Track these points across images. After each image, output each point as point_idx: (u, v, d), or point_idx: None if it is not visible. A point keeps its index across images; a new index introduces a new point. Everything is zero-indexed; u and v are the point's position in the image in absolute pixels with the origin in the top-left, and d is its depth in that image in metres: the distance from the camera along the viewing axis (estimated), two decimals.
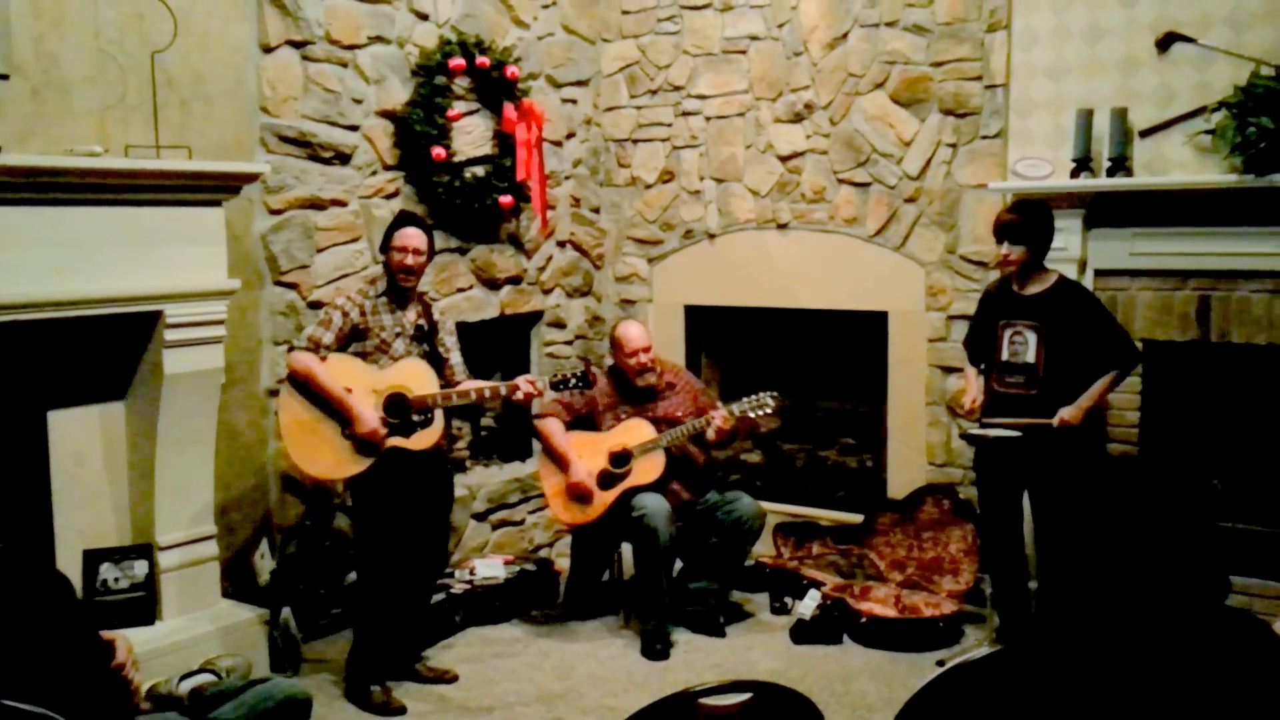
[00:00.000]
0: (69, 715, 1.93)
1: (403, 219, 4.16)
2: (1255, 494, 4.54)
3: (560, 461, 4.68)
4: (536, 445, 5.75)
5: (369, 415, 3.90)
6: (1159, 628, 1.71)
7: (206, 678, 3.15)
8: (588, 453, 4.69)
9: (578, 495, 4.63)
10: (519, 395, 4.14)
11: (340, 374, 3.96)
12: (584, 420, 4.79)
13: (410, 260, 4.05)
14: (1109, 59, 4.54)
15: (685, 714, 2.07)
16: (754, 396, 4.64)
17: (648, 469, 4.64)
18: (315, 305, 4.52)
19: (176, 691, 2.97)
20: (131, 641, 2.40)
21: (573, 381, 4.33)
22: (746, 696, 2.08)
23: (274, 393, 4.45)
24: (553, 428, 4.74)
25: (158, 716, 2.47)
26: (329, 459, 3.95)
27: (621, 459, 4.66)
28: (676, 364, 5.13)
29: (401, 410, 3.98)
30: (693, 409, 4.80)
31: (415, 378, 4.03)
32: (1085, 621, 1.82)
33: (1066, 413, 4.04)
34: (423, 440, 4.01)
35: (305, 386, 3.94)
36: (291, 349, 4.10)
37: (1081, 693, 1.67)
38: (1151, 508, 1.82)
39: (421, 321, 4.15)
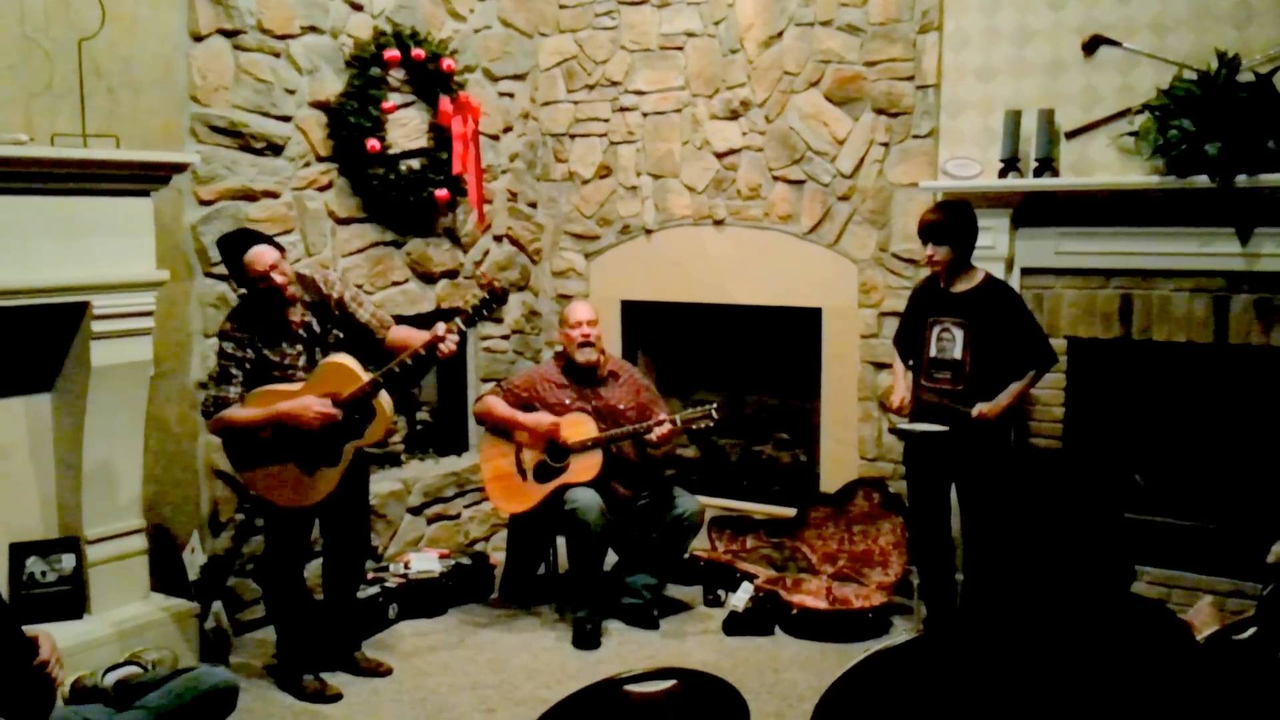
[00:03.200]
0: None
1: (241, 238, 3.88)
2: (1176, 488, 4.67)
3: (512, 424, 4.70)
4: (474, 439, 5.78)
5: (307, 401, 3.76)
6: (1067, 613, 1.77)
7: (132, 670, 3.12)
8: (528, 442, 4.71)
9: (541, 442, 4.67)
10: (444, 347, 3.90)
11: (262, 405, 3.81)
12: (528, 409, 4.77)
13: (279, 279, 3.80)
14: (1037, 61, 4.64)
15: (612, 701, 2.10)
16: (699, 408, 4.65)
17: (585, 467, 4.64)
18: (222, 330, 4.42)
19: (102, 684, 2.93)
20: (55, 638, 2.37)
21: (484, 309, 4.07)
22: (672, 684, 2.11)
23: (205, 386, 4.40)
24: (496, 404, 4.76)
25: (83, 709, 2.45)
26: (305, 488, 3.87)
27: (560, 453, 4.68)
28: (623, 360, 5.16)
29: (341, 413, 3.86)
30: (634, 403, 4.82)
31: (339, 377, 3.86)
32: (999, 608, 1.88)
33: (984, 406, 4.14)
34: (377, 430, 3.92)
35: (236, 435, 3.83)
36: (206, 415, 3.89)
37: (992, 675, 1.72)
38: (1064, 501, 1.89)
39: (309, 320, 3.95)
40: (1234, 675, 2.26)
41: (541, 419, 4.68)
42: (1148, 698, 1.72)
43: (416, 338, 4.00)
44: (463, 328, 3.99)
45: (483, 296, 4.04)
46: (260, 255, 3.79)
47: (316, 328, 3.96)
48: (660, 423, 4.62)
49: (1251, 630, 2.39)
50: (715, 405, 4.64)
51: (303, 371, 3.90)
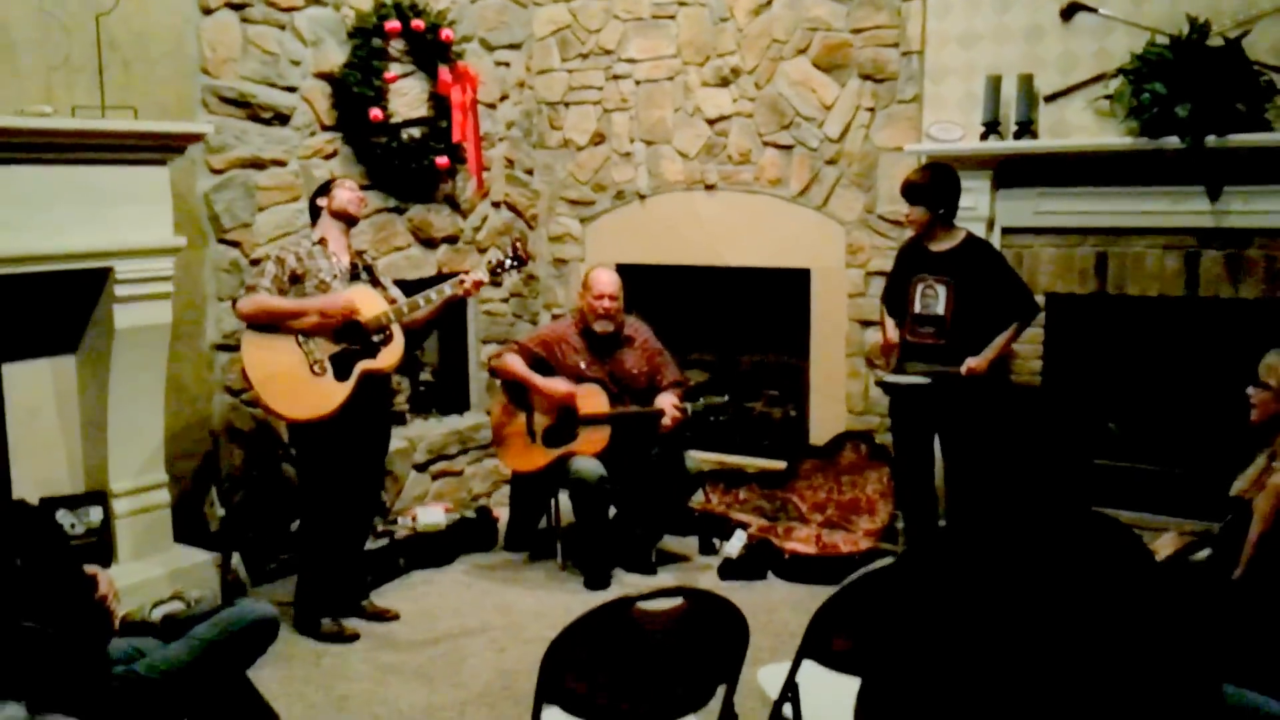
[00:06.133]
0: (66, 637, 2.11)
1: (329, 182, 4.36)
2: (1149, 435, 4.89)
3: (530, 385, 4.84)
4: (475, 399, 5.97)
5: (335, 298, 4.04)
6: (1035, 533, 1.95)
7: (177, 605, 3.31)
8: (541, 406, 4.88)
9: (557, 411, 4.84)
10: (467, 285, 4.25)
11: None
12: (542, 366, 4.93)
13: (360, 194, 4.27)
14: (1017, 27, 4.81)
15: (625, 618, 2.30)
16: (710, 398, 4.95)
17: (593, 440, 4.82)
18: (257, 263, 4.64)
19: (150, 618, 3.12)
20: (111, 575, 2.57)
21: (509, 263, 4.48)
22: (680, 602, 2.32)
23: (220, 348, 4.58)
24: (514, 361, 4.91)
25: (135, 641, 2.64)
26: (308, 399, 4.03)
27: (571, 423, 4.85)
28: (638, 320, 5.31)
29: (357, 334, 4.11)
30: (646, 367, 5.01)
31: (363, 302, 4.12)
32: (970, 532, 2.07)
33: (973, 362, 4.34)
34: (389, 357, 4.15)
35: (262, 326, 4.02)
36: (235, 302, 4.20)
37: (968, 589, 1.90)
38: (1035, 445, 2.07)
39: (356, 262, 4.27)
40: (1186, 589, 2.47)
41: (558, 385, 4.84)
42: (1103, 604, 1.91)
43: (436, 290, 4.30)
44: (487, 277, 4.35)
45: (507, 254, 4.49)
46: (351, 183, 4.32)
47: (360, 271, 4.25)
48: (671, 410, 4.81)
49: (1207, 552, 2.60)
50: (726, 398, 4.99)
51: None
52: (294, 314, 4.03)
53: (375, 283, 4.32)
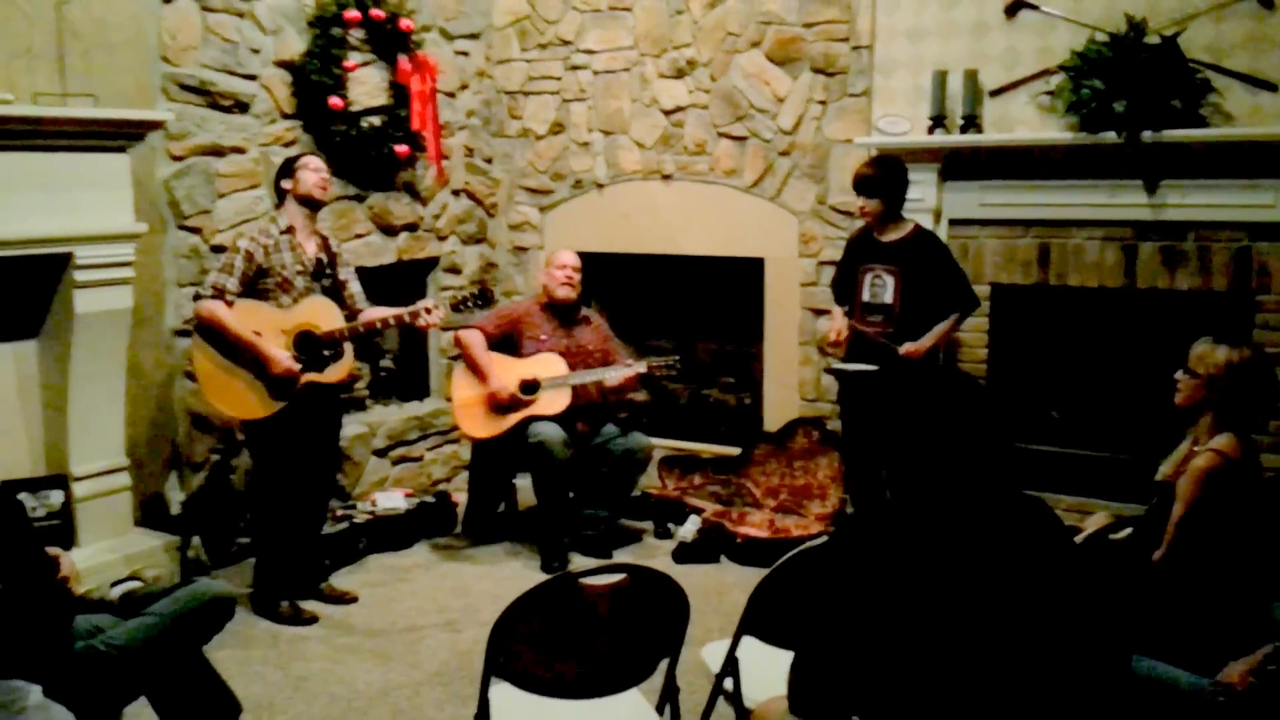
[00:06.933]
0: (29, 612, 2.19)
1: (294, 157, 4.40)
2: (1089, 421, 5.05)
3: (478, 374, 4.98)
4: (435, 385, 6.05)
5: (281, 355, 4.12)
6: (957, 510, 2.06)
7: (135, 584, 3.38)
8: (501, 375, 4.99)
9: (496, 406, 4.93)
10: (421, 322, 4.37)
11: (247, 318, 4.15)
12: (505, 341, 5.08)
13: (325, 175, 4.31)
14: (963, 23, 4.95)
15: (569, 593, 2.40)
16: (665, 358, 5.11)
17: (553, 402, 4.96)
18: (218, 249, 4.68)
19: (109, 596, 3.19)
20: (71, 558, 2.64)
21: (471, 302, 4.64)
22: (622, 577, 2.42)
23: (180, 333, 4.63)
24: (474, 339, 5.04)
25: (93, 618, 2.71)
26: (249, 401, 4.15)
27: (530, 388, 4.97)
28: (594, 310, 5.47)
29: (312, 346, 4.22)
30: (600, 347, 5.17)
31: (320, 314, 4.26)
32: (897, 510, 2.19)
33: (910, 346, 4.47)
34: (336, 373, 4.27)
35: (215, 334, 4.12)
36: (198, 297, 4.22)
37: (891, 564, 2.02)
38: (961, 423, 2.16)
39: (321, 255, 4.34)
40: (1100, 566, 2.60)
41: (505, 385, 4.93)
42: (1019, 578, 2.03)
43: (394, 312, 4.40)
44: (448, 311, 4.48)
45: (474, 292, 4.66)
46: (316, 163, 4.34)
47: (325, 267, 4.34)
48: (629, 365, 4.98)
49: (1128, 531, 2.73)
50: (679, 357, 5.13)
51: (296, 295, 4.25)
52: (243, 344, 4.11)
53: (335, 280, 4.37)
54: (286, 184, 4.32)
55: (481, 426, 4.99)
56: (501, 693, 2.56)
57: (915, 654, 1.97)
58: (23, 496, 3.94)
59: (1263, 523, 2.92)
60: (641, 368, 5.06)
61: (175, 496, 4.52)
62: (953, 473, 2.09)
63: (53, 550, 2.53)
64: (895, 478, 2.19)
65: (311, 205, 4.33)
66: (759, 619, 2.65)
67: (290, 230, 4.28)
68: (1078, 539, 2.68)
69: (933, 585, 2.01)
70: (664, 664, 2.64)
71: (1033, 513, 2.16)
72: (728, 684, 2.71)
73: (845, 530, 2.09)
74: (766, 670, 2.65)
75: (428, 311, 4.36)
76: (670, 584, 2.48)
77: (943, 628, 1.97)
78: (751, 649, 2.70)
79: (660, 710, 2.67)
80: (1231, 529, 2.89)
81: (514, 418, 4.94)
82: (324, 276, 4.34)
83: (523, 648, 2.42)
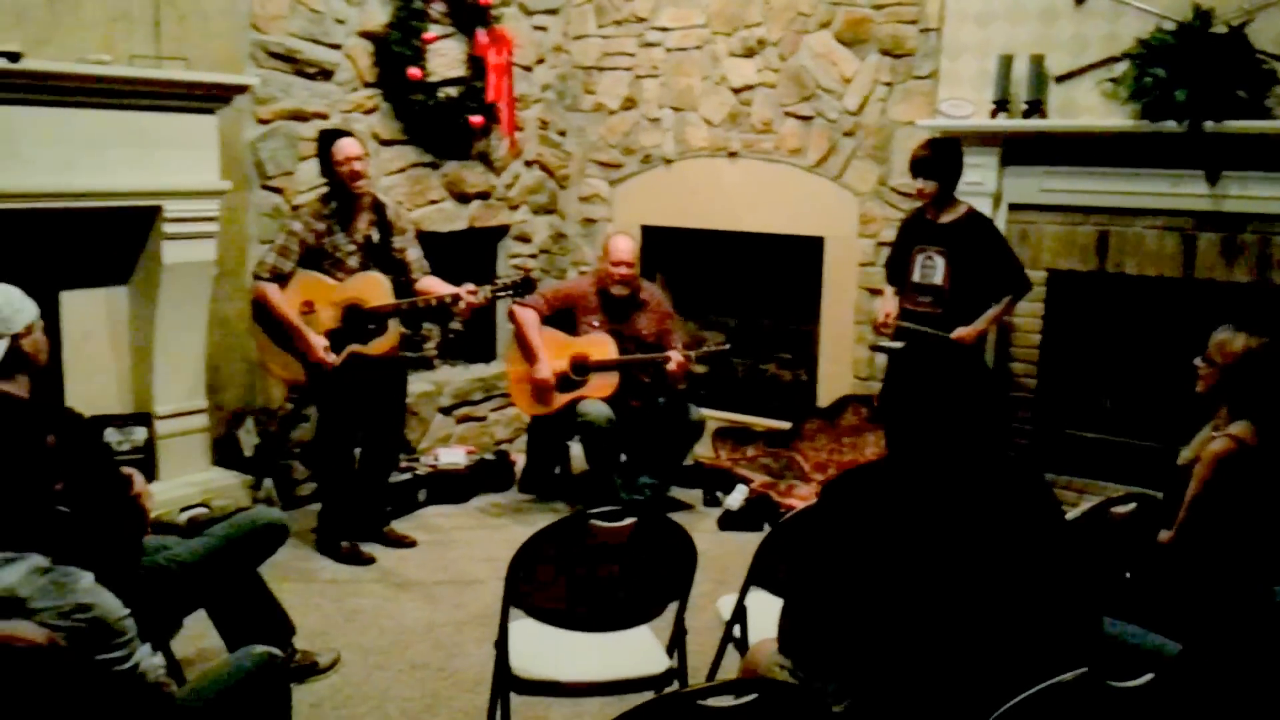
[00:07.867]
0: (102, 524, 2.43)
1: (333, 135, 4.51)
2: (1141, 411, 5.05)
3: (529, 355, 5.15)
4: (501, 349, 6.27)
5: (317, 343, 4.35)
6: (942, 471, 2.17)
7: (201, 510, 3.65)
8: (554, 353, 5.17)
9: (538, 391, 5.12)
10: (461, 306, 4.55)
11: (303, 288, 4.41)
12: (564, 315, 5.25)
13: (358, 166, 4.41)
14: (1031, 8, 4.96)
15: (580, 530, 2.58)
16: (712, 346, 5.28)
17: (602, 385, 5.12)
18: (298, 209, 4.94)
19: (177, 520, 3.46)
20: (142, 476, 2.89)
21: (513, 290, 4.82)
22: (632, 520, 2.59)
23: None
24: (529, 319, 5.18)
25: (161, 538, 2.97)
26: (297, 369, 4.46)
27: (581, 369, 5.15)
28: (653, 285, 5.57)
29: (358, 320, 4.45)
30: (655, 330, 5.28)
31: (371, 289, 4.46)
32: (884, 470, 2.31)
33: (962, 330, 4.54)
34: (379, 346, 4.50)
35: (265, 313, 4.40)
36: (256, 276, 4.44)
37: (876, 520, 2.13)
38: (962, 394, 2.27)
39: (371, 233, 4.52)
40: (1084, 534, 2.69)
41: (548, 374, 5.07)
42: (1001, 539, 2.14)
43: (443, 288, 4.59)
44: (489, 295, 4.66)
45: (516, 280, 4.84)
46: (348, 145, 4.42)
47: (375, 239, 4.53)
48: (676, 357, 5.07)
49: (1132, 505, 2.80)
50: (727, 344, 5.32)
51: (349, 272, 4.47)
52: (290, 327, 4.36)
53: (389, 254, 4.55)
54: (327, 176, 4.51)
55: (531, 405, 5.20)
56: (521, 626, 2.75)
57: (891, 602, 2.10)
58: (110, 431, 4.27)
59: (1276, 509, 2.96)
60: (689, 357, 5.16)
61: (249, 440, 4.80)
62: (944, 433, 2.19)
63: (126, 470, 2.77)
64: (890, 434, 2.30)
65: (347, 191, 4.45)
66: (764, 571, 2.80)
67: (337, 214, 4.47)
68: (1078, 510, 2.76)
69: (910, 538, 2.12)
70: (673, 605, 2.80)
71: (1017, 476, 2.26)
72: (736, 630, 2.87)
73: (834, 486, 2.21)
74: (772, 617, 2.81)
75: (470, 293, 4.52)
76: (678, 531, 2.64)
77: (917, 579, 2.09)
78: (759, 599, 2.85)
79: (670, 653, 2.84)
80: (1241, 513, 2.94)
81: (563, 399, 5.12)
82: (375, 254, 4.52)
83: (538, 580, 2.60)
